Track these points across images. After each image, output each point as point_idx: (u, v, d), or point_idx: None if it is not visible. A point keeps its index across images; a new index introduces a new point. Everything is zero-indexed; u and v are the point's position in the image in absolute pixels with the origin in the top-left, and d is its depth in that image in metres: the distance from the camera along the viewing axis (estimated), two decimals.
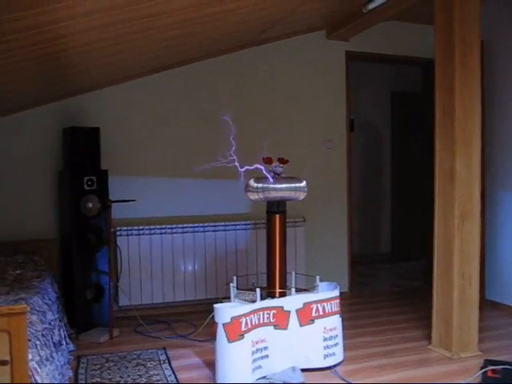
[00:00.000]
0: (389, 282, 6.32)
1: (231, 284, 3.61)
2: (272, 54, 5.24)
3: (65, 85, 4.46)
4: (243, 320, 3.18)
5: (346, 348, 3.76)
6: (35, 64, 3.33)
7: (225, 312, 3.17)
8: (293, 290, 3.54)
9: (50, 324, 3.20)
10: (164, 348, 3.97)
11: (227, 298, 3.72)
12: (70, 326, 4.17)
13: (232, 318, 3.15)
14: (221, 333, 3.17)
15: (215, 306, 3.24)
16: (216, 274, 4.97)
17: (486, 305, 4.84)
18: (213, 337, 3.29)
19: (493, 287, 4.93)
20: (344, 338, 3.76)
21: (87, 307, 4.38)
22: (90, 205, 4.33)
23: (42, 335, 2.76)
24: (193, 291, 4.93)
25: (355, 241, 6.53)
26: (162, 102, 4.95)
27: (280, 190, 3.63)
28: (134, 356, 3.81)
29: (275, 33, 4.98)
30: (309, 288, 3.83)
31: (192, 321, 4.60)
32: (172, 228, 4.87)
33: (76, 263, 4.34)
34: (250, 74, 5.21)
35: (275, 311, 3.37)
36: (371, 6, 4.22)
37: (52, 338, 3.16)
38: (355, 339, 4.13)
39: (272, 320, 3.37)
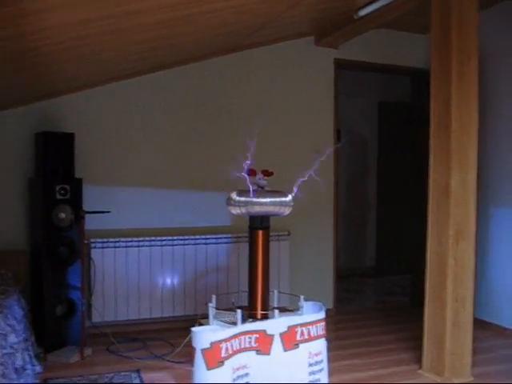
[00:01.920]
0: (374, 298, 6.14)
1: (210, 304, 3.37)
2: (258, 59, 5.03)
3: (38, 86, 4.20)
4: (223, 346, 2.94)
5: (330, 372, 3.53)
6: (4, 62, 3.08)
7: (203, 337, 2.92)
8: (276, 312, 3.31)
9: (12, 348, 2.94)
10: (138, 370, 3.71)
11: (205, 319, 3.50)
12: (38, 344, 3.90)
13: (211, 344, 2.90)
14: (199, 359, 2.92)
15: (193, 329, 2.99)
16: (195, 290, 4.73)
17: (475, 324, 4.60)
18: (191, 358, 3.04)
19: (482, 306, 4.74)
20: (328, 360, 3.53)
21: (57, 324, 4.12)
22: (63, 215, 4.08)
23: (1, 364, 2.50)
24: (171, 307, 4.68)
25: (339, 254, 6.33)
26: (141, 108, 4.71)
27: (264, 204, 3.40)
28: (106, 379, 3.55)
29: (262, 38, 4.78)
30: (292, 308, 3.61)
31: (169, 339, 4.36)
32: (150, 241, 4.63)
33: (46, 277, 4.07)
34: (234, 80, 4.99)
35: (257, 335, 3.13)
36: (363, 12, 4.04)
37: (14, 364, 2.90)
38: (340, 362, 3.92)
39: (254, 344, 3.13)
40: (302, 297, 3.57)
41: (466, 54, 3.41)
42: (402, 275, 6.85)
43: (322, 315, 3.42)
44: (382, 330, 4.76)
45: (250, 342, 3.11)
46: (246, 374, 3.11)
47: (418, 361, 3.81)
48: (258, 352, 3.14)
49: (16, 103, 4.31)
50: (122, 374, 3.66)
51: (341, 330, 4.73)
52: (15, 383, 2.66)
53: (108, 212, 4.11)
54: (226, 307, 3.83)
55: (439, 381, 3.52)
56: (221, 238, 4.84)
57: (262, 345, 3.14)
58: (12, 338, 3.00)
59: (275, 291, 3.78)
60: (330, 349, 3.52)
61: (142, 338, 4.42)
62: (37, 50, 2.99)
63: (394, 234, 7.15)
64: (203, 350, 2.91)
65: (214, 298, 3.50)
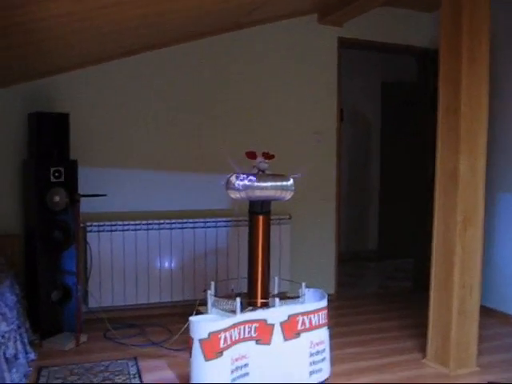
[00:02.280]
0: (376, 283, 6.03)
1: (208, 292, 3.26)
2: (258, 38, 4.85)
3: (31, 64, 4.04)
4: (222, 335, 2.84)
5: (332, 361, 3.44)
6: None
7: (201, 327, 2.82)
8: (276, 300, 3.20)
9: (2, 337, 2.84)
10: (135, 358, 3.62)
11: (204, 306, 3.40)
12: (34, 330, 3.81)
13: (209, 334, 2.81)
14: (197, 349, 2.82)
15: (190, 319, 2.89)
16: (194, 275, 4.62)
17: (481, 311, 4.52)
18: (189, 346, 2.94)
19: (488, 293, 4.62)
20: (330, 348, 3.44)
21: (53, 310, 4.01)
22: (57, 198, 3.96)
23: None
24: (169, 292, 4.57)
25: (340, 237, 6.23)
26: (138, 88, 4.55)
27: (264, 188, 3.28)
28: (102, 368, 3.45)
29: (262, 15, 4.60)
30: (293, 295, 3.51)
31: (167, 325, 4.27)
32: (147, 224, 4.50)
33: (41, 262, 3.96)
34: (233, 60, 4.81)
35: (257, 324, 3.03)
36: None
37: (5, 354, 2.81)
38: (343, 350, 3.82)
39: (254, 334, 3.03)
40: (303, 284, 3.46)
41: (478, 39, 3.24)
42: (404, 259, 6.76)
43: (323, 303, 3.33)
44: (385, 316, 4.67)
45: (249, 331, 3.01)
46: (246, 365, 3.03)
47: (422, 349, 3.71)
48: (258, 342, 3.05)
49: (8, 82, 4.16)
50: (119, 361, 3.56)
51: (342, 317, 4.63)
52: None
53: (104, 195, 3.98)
54: (225, 293, 3.74)
55: (445, 371, 3.42)
56: (220, 221, 4.72)
57: (262, 334, 3.05)
58: (3, 327, 2.90)
59: (276, 278, 3.68)
60: (331, 336, 3.43)
61: (140, 323, 4.33)
62: (31, 23, 2.84)
63: (396, 218, 7.01)
64: (201, 341, 2.81)
65: (212, 284, 3.40)
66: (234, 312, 3.12)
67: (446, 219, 3.38)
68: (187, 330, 3.04)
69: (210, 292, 3.26)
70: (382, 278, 6.23)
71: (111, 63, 4.42)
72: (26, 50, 3.52)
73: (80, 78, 4.37)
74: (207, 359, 2.81)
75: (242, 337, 2.98)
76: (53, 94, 4.28)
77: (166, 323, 4.32)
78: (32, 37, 3.09)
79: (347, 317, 4.64)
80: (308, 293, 3.44)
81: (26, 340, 3.47)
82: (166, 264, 4.58)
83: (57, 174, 3.97)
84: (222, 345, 2.84)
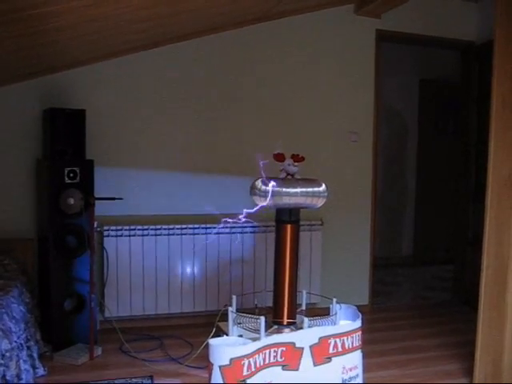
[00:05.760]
0: (413, 293, 5.63)
1: (229, 308, 2.95)
2: (289, 30, 4.50)
3: (46, 58, 3.78)
4: (245, 362, 2.52)
5: None
6: (6, 29, 2.68)
7: (222, 352, 2.50)
8: (305, 320, 2.87)
9: (3, 357, 2.58)
10: (151, 376, 3.33)
11: (225, 322, 3.11)
12: (45, 342, 3.57)
13: (231, 360, 2.49)
14: (217, 377, 2.51)
15: (210, 342, 2.58)
16: (218, 283, 4.31)
17: None
18: (208, 371, 2.63)
19: None
20: (363, 370, 3.09)
21: (65, 320, 3.76)
22: (72, 201, 3.70)
23: None
24: (191, 302, 4.27)
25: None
26: (159, 83, 4.25)
27: (294, 194, 2.96)
28: None
29: (293, 5, 4.27)
30: (323, 308, 3.19)
31: (188, 337, 3.98)
32: (169, 229, 4.22)
33: (53, 268, 3.70)
34: (262, 54, 4.47)
35: (284, 348, 2.70)
36: None
37: (5, 376, 2.54)
38: (377, 372, 3.47)
39: (280, 359, 2.70)
40: (334, 300, 3.14)
41: None
42: (442, 266, 6.40)
43: (358, 324, 2.99)
44: (423, 332, 4.28)
45: (275, 356, 2.68)
46: None
47: (467, 373, 3.34)
48: (285, 367, 2.72)
49: (22, 77, 3.91)
50: (133, 380, 3.28)
51: (376, 332, 4.27)
52: None
53: (120, 199, 3.70)
54: (249, 305, 3.45)
55: None
56: (247, 226, 4.39)
57: (290, 359, 2.72)
58: (5, 344, 2.64)
59: (304, 292, 3.37)
60: (364, 354, 3.08)
61: (159, 335, 4.04)
62: (44, 15, 2.57)
63: (433, 221, 6.69)
64: (222, 367, 2.50)
65: (234, 299, 3.10)
66: (258, 331, 2.82)
67: (499, 231, 3.00)
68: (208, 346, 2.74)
69: (231, 309, 2.95)
70: (418, 288, 5.83)
71: (130, 57, 4.14)
72: (40, 42, 3.26)
73: (97, 72, 4.10)
74: None
75: (267, 362, 2.65)
76: (69, 90, 4.02)
77: (186, 335, 4.03)
78: (41, 24, 2.81)
79: (381, 332, 4.28)
80: (340, 310, 3.11)
81: (35, 354, 3.23)
82: (188, 271, 4.28)
83: (71, 175, 3.71)
84: (245, 372, 2.52)
